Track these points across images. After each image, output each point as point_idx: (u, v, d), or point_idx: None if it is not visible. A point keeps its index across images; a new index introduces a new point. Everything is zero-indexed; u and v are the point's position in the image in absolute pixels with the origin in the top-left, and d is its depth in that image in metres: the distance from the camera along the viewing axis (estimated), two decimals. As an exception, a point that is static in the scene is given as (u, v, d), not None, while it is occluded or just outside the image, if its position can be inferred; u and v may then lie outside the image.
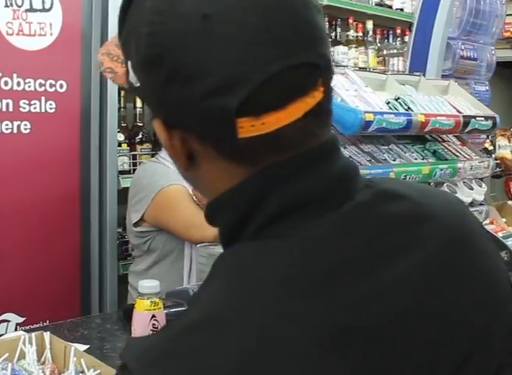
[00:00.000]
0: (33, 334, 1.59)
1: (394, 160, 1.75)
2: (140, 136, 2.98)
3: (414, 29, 2.68)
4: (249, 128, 0.72)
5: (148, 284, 1.53)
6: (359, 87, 1.73)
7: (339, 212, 0.76)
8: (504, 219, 3.17)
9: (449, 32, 2.54)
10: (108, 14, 2.71)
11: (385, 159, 1.73)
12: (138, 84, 0.78)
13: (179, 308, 1.94)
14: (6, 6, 2.49)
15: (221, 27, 0.71)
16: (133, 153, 2.91)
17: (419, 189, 0.88)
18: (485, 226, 2.32)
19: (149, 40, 0.73)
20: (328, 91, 0.78)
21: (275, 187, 0.76)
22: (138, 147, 2.95)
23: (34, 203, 2.60)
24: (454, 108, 1.95)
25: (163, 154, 2.68)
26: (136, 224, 2.57)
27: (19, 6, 2.52)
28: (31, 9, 2.55)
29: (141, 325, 1.51)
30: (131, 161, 2.90)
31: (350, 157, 1.62)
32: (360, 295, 0.72)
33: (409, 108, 1.79)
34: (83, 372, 1.48)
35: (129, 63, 0.78)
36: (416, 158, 1.82)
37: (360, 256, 0.74)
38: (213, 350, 0.67)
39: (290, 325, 0.68)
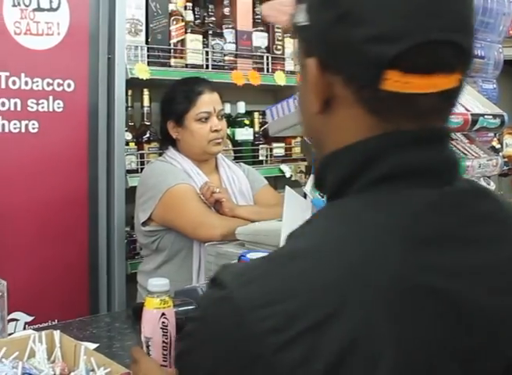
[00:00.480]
0: (43, 333, 1.59)
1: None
2: (148, 135, 2.97)
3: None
4: (393, 83, 0.80)
5: (158, 283, 1.52)
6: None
7: (441, 191, 0.84)
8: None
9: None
10: (115, 13, 2.72)
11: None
12: (306, 23, 0.86)
13: (188, 307, 1.94)
14: (14, 6, 2.50)
15: None
16: (140, 152, 2.91)
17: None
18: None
19: None
20: (461, 86, 0.85)
21: (393, 151, 0.83)
22: (145, 146, 2.95)
23: (42, 202, 2.61)
24: (463, 106, 1.95)
25: (170, 153, 2.68)
26: (144, 223, 2.57)
27: (27, 6, 2.53)
28: (39, 9, 2.56)
29: (151, 323, 1.51)
30: (138, 160, 2.90)
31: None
32: (454, 265, 0.79)
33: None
34: (93, 370, 1.48)
35: (303, 5, 0.87)
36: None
37: (454, 234, 0.82)
38: (310, 275, 0.76)
39: (383, 270, 0.76)
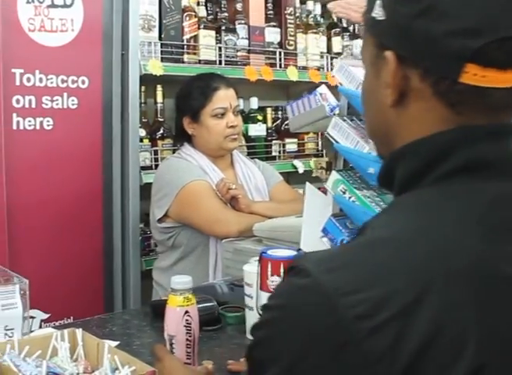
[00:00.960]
0: (65, 331, 1.58)
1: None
2: (161, 131, 2.97)
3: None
4: (472, 76, 0.82)
5: (180, 280, 1.52)
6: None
7: (509, 185, 0.85)
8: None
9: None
10: (128, 9, 2.71)
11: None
12: (383, 18, 0.88)
13: (208, 304, 1.94)
14: (28, 3, 2.49)
15: None
16: (154, 148, 2.90)
17: None
18: None
19: None
20: None
21: (468, 145, 0.85)
22: (159, 142, 2.94)
23: (57, 199, 2.61)
24: None
25: (185, 149, 2.67)
26: (160, 220, 2.57)
27: (41, 2, 2.52)
28: (53, 5, 2.55)
29: (174, 321, 1.51)
30: (152, 156, 2.89)
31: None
32: None
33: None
34: (117, 368, 1.47)
35: (379, 1, 0.89)
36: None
37: None
38: (393, 263, 0.78)
39: (463, 257, 0.77)
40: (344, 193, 1.64)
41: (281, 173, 3.04)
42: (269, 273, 1.68)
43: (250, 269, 1.80)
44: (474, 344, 0.74)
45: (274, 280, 1.68)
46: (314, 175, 2.48)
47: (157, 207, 2.57)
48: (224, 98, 2.62)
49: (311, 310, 0.78)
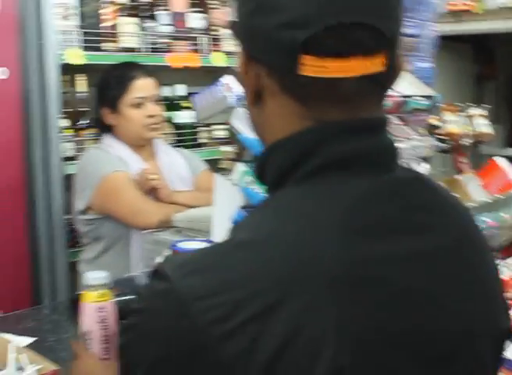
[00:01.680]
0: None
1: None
2: (84, 121, 2.93)
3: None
4: (310, 68, 0.82)
5: (94, 276, 1.51)
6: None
7: (377, 181, 0.86)
8: (457, 195, 3.23)
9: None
10: (43, -1, 2.66)
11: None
12: (235, 19, 0.90)
13: (127, 297, 1.93)
14: None
15: None
16: (77, 139, 2.87)
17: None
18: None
19: None
20: (389, 70, 0.86)
21: (327, 142, 0.85)
22: (82, 132, 2.90)
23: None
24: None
25: (106, 140, 2.65)
26: (82, 212, 2.55)
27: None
28: (-38, -6, 2.49)
29: (88, 317, 1.50)
30: (76, 146, 2.85)
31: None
32: (387, 253, 0.82)
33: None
34: (21, 368, 1.46)
35: (235, 4, 0.91)
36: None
37: (391, 223, 0.85)
38: (249, 267, 0.78)
39: (322, 259, 0.78)
40: (250, 184, 1.65)
41: (209, 160, 3.04)
42: (178, 265, 1.68)
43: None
44: (333, 345, 0.75)
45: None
46: (222, 166, 2.47)
47: (78, 198, 2.55)
48: (142, 87, 2.59)
49: (168, 315, 0.79)
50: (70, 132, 2.87)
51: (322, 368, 0.75)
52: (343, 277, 0.78)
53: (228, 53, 3.43)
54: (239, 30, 0.90)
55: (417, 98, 1.94)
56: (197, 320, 0.76)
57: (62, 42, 2.76)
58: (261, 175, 0.95)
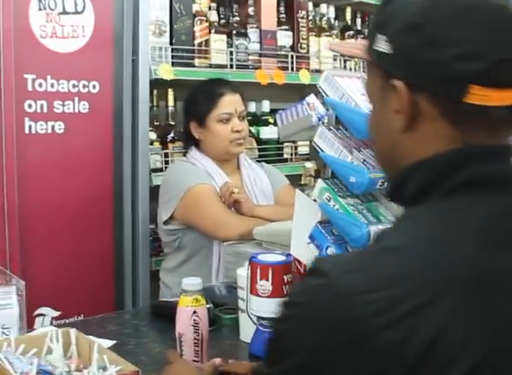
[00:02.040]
0: (59, 330, 1.65)
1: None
2: (172, 134, 3.03)
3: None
4: (474, 96, 0.92)
5: (191, 282, 1.62)
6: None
7: (509, 199, 0.96)
8: None
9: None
10: (139, 14, 2.77)
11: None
12: (390, 51, 0.99)
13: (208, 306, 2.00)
14: (40, 10, 2.57)
15: (477, 12, 0.94)
16: (164, 151, 2.97)
17: None
18: None
19: (418, 14, 0.96)
20: None
21: (470, 162, 0.95)
22: (170, 145, 3.00)
23: (69, 201, 2.68)
24: None
25: (192, 153, 2.73)
26: (166, 222, 2.63)
27: (52, 9, 2.60)
28: (64, 12, 2.63)
29: (183, 320, 1.61)
30: (163, 159, 2.95)
31: (364, 160, 1.65)
32: None
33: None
34: (104, 368, 1.54)
35: (382, 37, 1.00)
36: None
37: None
38: (404, 268, 0.88)
39: (463, 265, 0.88)
40: (329, 201, 1.68)
41: (293, 176, 3.09)
42: (258, 277, 1.73)
43: (242, 273, 1.85)
44: (474, 346, 0.83)
45: (262, 285, 1.73)
46: (302, 182, 2.52)
47: (163, 209, 2.64)
48: (229, 103, 2.67)
49: (329, 307, 0.88)
50: (158, 145, 2.97)
51: (464, 365, 0.83)
52: (484, 283, 0.87)
53: (313, 71, 3.48)
54: (396, 60, 0.98)
55: None
56: (359, 312, 0.85)
57: (153, 58, 2.87)
58: (396, 192, 1.06)
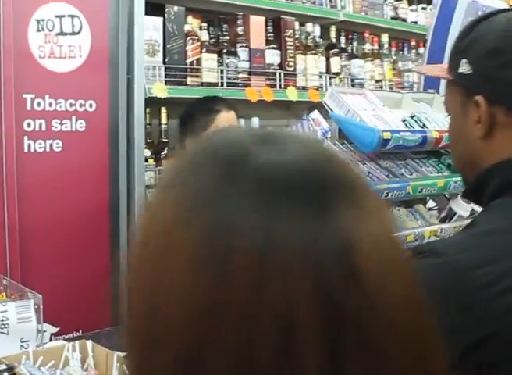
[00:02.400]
0: (76, 343, 1.70)
1: (411, 174, 1.85)
2: (166, 151, 3.09)
3: (427, 48, 2.79)
4: None
5: None
6: (376, 106, 1.84)
7: None
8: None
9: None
10: (134, 35, 2.84)
11: (402, 174, 1.83)
12: (470, 71, 1.19)
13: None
14: (38, 31, 2.62)
15: None
16: (159, 168, 3.02)
17: None
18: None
19: (498, 41, 1.17)
20: None
21: None
22: (164, 162, 3.06)
23: (67, 217, 2.72)
24: None
25: None
26: None
27: (50, 30, 2.65)
28: (61, 33, 2.68)
29: None
30: (157, 175, 3.00)
31: (369, 173, 1.73)
32: None
33: (424, 125, 1.89)
34: (125, 377, 1.59)
35: (464, 60, 1.20)
36: (431, 172, 1.92)
37: None
38: (500, 248, 1.06)
39: None
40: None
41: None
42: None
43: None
44: None
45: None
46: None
47: None
48: (225, 120, 2.75)
49: (448, 281, 1.02)
50: (152, 162, 3.03)
51: None
52: None
53: (299, 88, 3.56)
54: (478, 79, 1.19)
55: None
56: (472, 284, 1.00)
57: (147, 77, 2.93)
58: (477, 191, 1.23)
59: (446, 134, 1.88)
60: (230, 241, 0.55)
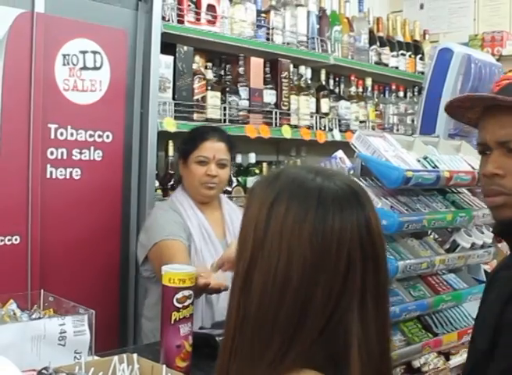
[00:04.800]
0: (124, 355, 1.85)
1: (424, 209, 2.07)
2: (172, 182, 3.26)
3: (424, 94, 3.05)
4: None
5: None
6: (396, 148, 2.06)
7: None
8: (495, 260, 3.57)
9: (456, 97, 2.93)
10: (150, 72, 3.04)
11: (418, 208, 2.05)
12: None
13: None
14: (64, 65, 2.79)
15: None
16: (166, 198, 3.19)
17: None
18: (482, 267, 2.66)
19: None
20: None
21: None
22: (170, 192, 3.22)
23: (81, 241, 2.89)
24: (469, 164, 2.28)
25: (176, 191, 2.96)
26: (142, 262, 2.83)
27: (75, 65, 2.83)
28: (85, 68, 2.86)
29: None
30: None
31: (392, 206, 1.94)
32: None
33: (435, 165, 2.12)
34: (174, 387, 1.74)
35: None
36: (441, 208, 2.14)
37: None
38: None
39: None
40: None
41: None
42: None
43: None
44: None
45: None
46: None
47: (139, 249, 2.83)
48: (209, 148, 2.87)
49: None
50: (160, 191, 3.20)
51: None
52: None
53: (294, 126, 3.79)
54: None
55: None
56: None
57: (158, 111, 3.12)
58: None
59: (457, 174, 2.11)
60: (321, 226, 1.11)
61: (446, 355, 2.55)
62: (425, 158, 2.13)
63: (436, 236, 2.37)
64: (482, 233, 2.35)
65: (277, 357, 1.09)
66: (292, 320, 1.09)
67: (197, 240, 2.81)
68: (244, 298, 1.13)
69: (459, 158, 2.30)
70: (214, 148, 2.89)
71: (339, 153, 2.05)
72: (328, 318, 1.08)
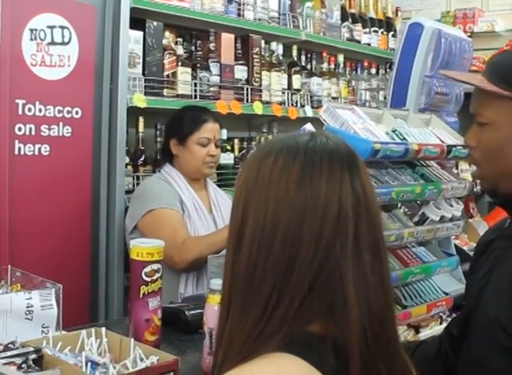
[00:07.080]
0: (92, 329, 1.84)
1: (393, 182, 2.07)
2: (143, 158, 3.25)
3: (394, 69, 3.05)
4: None
5: (218, 282, 1.80)
6: (364, 120, 2.06)
7: None
8: (466, 235, 3.60)
9: (426, 71, 2.93)
10: (118, 48, 3.00)
11: (387, 181, 2.05)
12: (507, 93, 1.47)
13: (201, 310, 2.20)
14: (31, 40, 2.75)
15: None
16: (136, 174, 3.18)
17: None
18: (452, 241, 2.68)
19: None
20: None
21: None
22: (141, 168, 3.22)
23: (51, 216, 2.87)
24: (438, 138, 2.29)
25: (167, 168, 2.98)
26: (131, 231, 2.84)
27: (42, 40, 2.79)
28: (52, 43, 2.82)
29: (213, 316, 1.79)
30: (135, 181, 3.16)
31: (361, 179, 1.94)
32: None
33: (404, 138, 2.12)
34: (142, 359, 1.73)
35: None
36: (409, 180, 2.15)
37: None
38: None
39: None
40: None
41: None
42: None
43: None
44: None
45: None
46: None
47: (128, 219, 2.85)
48: (210, 130, 2.96)
49: None
50: (130, 168, 3.18)
51: None
52: None
53: (265, 102, 3.78)
54: None
55: (459, 147, 2.26)
56: None
57: (128, 87, 3.09)
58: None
59: (426, 147, 2.12)
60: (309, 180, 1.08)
61: (416, 328, 2.58)
62: (394, 131, 2.13)
63: (406, 209, 2.38)
64: (451, 206, 2.35)
65: (265, 313, 1.04)
66: (280, 270, 1.04)
67: (190, 208, 2.91)
68: (236, 256, 1.10)
69: (428, 132, 2.31)
70: (214, 130, 3.01)
71: (308, 126, 2.04)
72: (318, 267, 1.04)
